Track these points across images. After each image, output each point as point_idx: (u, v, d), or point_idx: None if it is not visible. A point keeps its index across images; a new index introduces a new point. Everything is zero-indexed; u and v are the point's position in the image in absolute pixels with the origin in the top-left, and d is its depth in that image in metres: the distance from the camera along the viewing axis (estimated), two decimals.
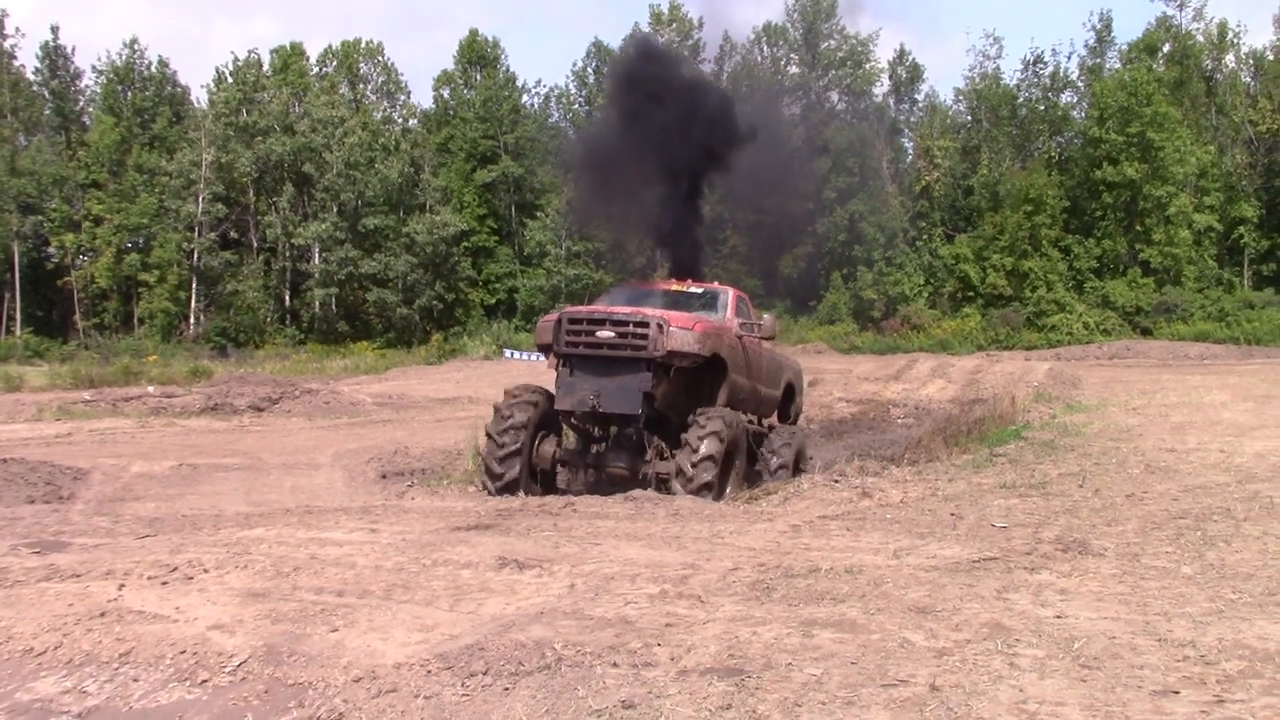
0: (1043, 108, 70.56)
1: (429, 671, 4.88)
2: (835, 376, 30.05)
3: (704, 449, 11.31)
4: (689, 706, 4.32)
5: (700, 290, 14.30)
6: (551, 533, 8.38)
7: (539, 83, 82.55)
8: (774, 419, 16.10)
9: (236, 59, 74.61)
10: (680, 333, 11.70)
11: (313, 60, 78.63)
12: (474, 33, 77.36)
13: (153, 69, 74.59)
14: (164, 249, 64.07)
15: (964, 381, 27.65)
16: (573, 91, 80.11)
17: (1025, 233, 62.01)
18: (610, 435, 13.12)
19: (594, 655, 5.00)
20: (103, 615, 6.01)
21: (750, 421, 14.23)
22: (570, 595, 6.29)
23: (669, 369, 11.90)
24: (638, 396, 11.76)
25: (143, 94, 73.16)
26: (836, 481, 11.01)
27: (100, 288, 66.63)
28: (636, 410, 11.78)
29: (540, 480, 12.76)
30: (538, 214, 68.46)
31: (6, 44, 71.41)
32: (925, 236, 67.23)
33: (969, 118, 73.24)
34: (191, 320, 64.26)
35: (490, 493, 12.11)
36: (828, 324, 62.86)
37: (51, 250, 68.91)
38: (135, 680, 5.15)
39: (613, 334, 11.83)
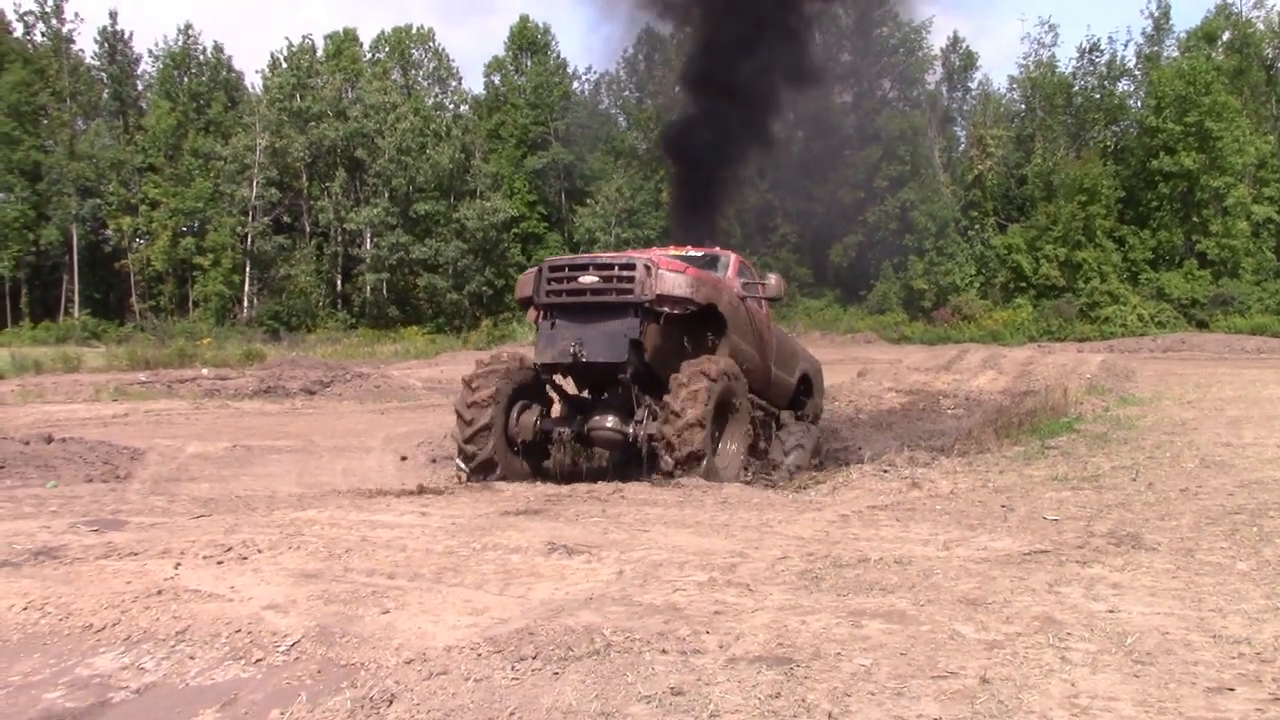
0: (1098, 96, 69.63)
1: (479, 655, 4.92)
2: (885, 367, 29.87)
3: (689, 413, 10.38)
4: (738, 694, 4.32)
5: (700, 253, 13.41)
6: (600, 519, 8.41)
7: (589, 69, 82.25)
8: (787, 415, 14.92)
9: (290, 45, 75.22)
10: (671, 276, 11.03)
11: (365, 46, 79.15)
12: (524, 19, 77.55)
13: (208, 54, 75.38)
14: (218, 233, 64.84)
15: (1015, 373, 27.36)
16: (623, 78, 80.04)
17: (1079, 223, 61.28)
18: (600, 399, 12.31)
19: (643, 642, 5.02)
20: (159, 593, 6.11)
21: (760, 404, 13.38)
22: (619, 581, 6.32)
23: (659, 316, 11.09)
24: (624, 343, 10.97)
25: (198, 79, 73.96)
26: (885, 472, 10.90)
27: (156, 271, 67.59)
28: (623, 358, 10.96)
29: (525, 453, 11.94)
30: (587, 200, 68.53)
31: (66, 29, 72.53)
32: (977, 226, 66.61)
33: (1023, 106, 72.47)
34: (245, 304, 65.01)
35: (466, 475, 11.48)
36: (878, 313, 62.50)
37: (109, 233, 69.96)
38: (191, 658, 5.24)
39: (597, 279, 11.16)
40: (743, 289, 12.80)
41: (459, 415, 11.58)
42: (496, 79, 78.54)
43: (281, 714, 4.40)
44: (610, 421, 11.56)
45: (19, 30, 73.74)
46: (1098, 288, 60.34)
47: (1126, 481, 10.01)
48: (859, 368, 29.39)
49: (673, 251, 13.28)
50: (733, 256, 13.38)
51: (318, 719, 4.33)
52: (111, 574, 6.68)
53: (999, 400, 21.06)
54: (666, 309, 11.01)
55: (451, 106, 78.51)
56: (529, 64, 77.17)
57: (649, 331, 11.05)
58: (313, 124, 67.75)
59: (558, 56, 77.69)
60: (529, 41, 77.25)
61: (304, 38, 77.30)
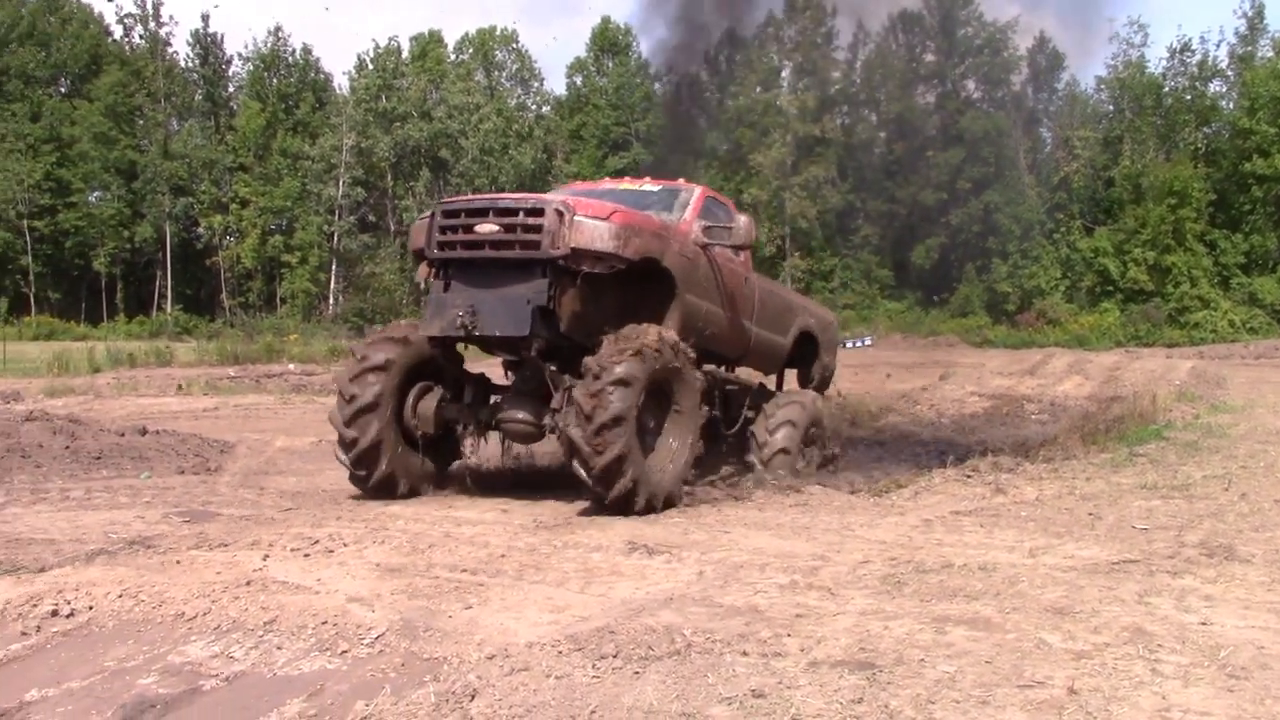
0: (1189, 97, 67.97)
1: (560, 652, 4.95)
2: (967, 370, 29.45)
3: (602, 410, 8.17)
4: (820, 698, 4.30)
5: (657, 188, 11.05)
6: (680, 519, 8.43)
7: (671, 70, 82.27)
8: (777, 384, 13.08)
9: (377, 47, 76.39)
10: (591, 224, 8.72)
11: (450, 48, 79.98)
12: (606, 20, 77.80)
13: (296, 56, 76.74)
14: (305, 231, 66.05)
15: (1102, 378, 26.86)
16: (704, 79, 79.91)
17: (1168, 226, 59.92)
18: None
19: (723, 643, 5.01)
20: (249, 584, 6.24)
21: (728, 377, 11.43)
22: (699, 582, 6.32)
23: (575, 274, 8.85)
24: (526, 312, 8.73)
25: (287, 80, 75.34)
26: (969, 477, 10.75)
27: (245, 268, 69.04)
28: (524, 330, 8.74)
29: (426, 449, 9.81)
30: None
31: (162, 31, 74.34)
32: (1063, 229, 65.45)
33: (1111, 107, 71.03)
34: (330, 301, 66.11)
35: (346, 466, 9.54)
36: (960, 317, 61.69)
37: (200, 231, 71.57)
38: (279, 648, 5.34)
39: (497, 227, 8.88)
40: (705, 234, 10.26)
41: (339, 392, 9.57)
42: (578, 80, 78.92)
43: (366, 706, 4.46)
44: (522, 412, 9.41)
45: (118, 33, 75.88)
46: (1187, 292, 58.97)
47: (1219, 491, 9.79)
48: (940, 371, 29.02)
49: (624, 185, 11.37)
50: (697, 192, 10.88)
51: (402, 712, 4.38)
52: (203, 564, 6.84)
53: (1085, 406, 20.68)
54: (585, 266, 8.77)
55: (534, 107, 79.14)
56: (610, 65, 77.41)
57: (564, 295, 8.86)
58: (398, 124, 68.66)
59: (639, 57, 77.84)
60: (610, 43, 77.51)
61: (390, 39, 78.65)
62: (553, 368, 9.10)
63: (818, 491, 9.99)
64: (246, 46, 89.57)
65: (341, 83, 77.91)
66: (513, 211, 8.97)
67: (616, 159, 71.99)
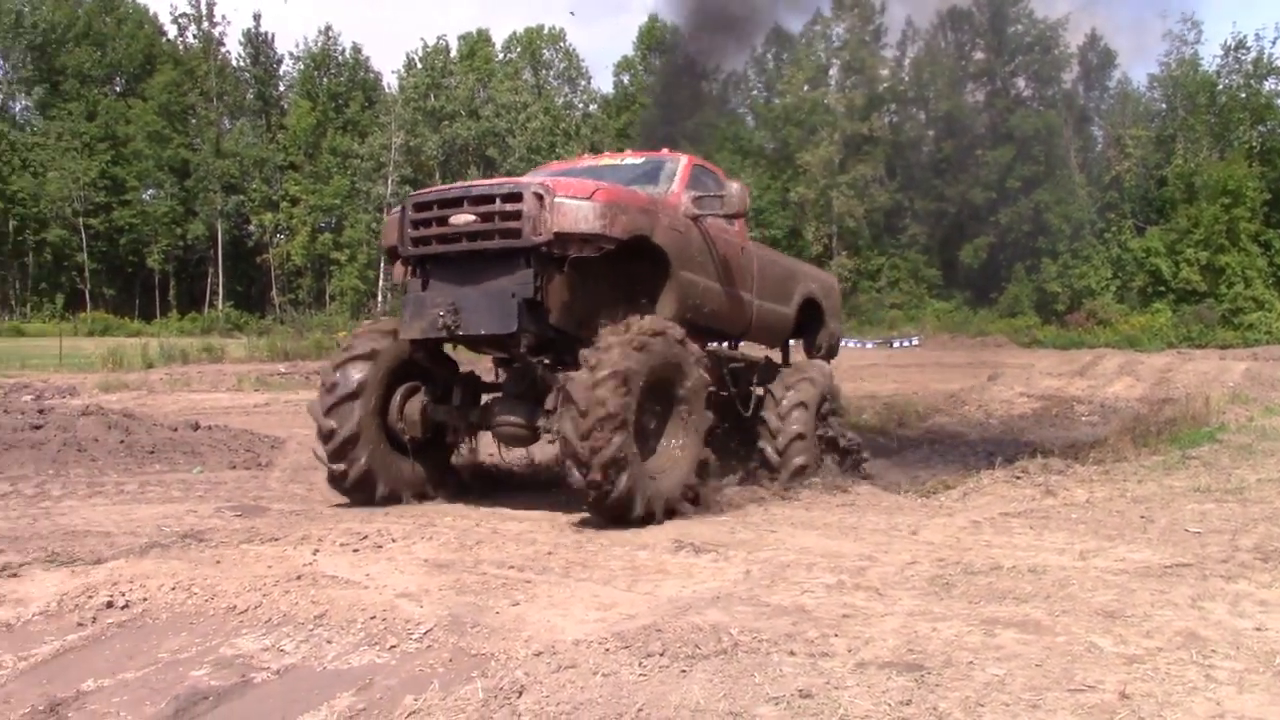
0: (1244, 95, 67.08)
1: (607, 650, 4.95)
2: (1016, 371, 29.24)
3: (598, 408, 7.52)
4: (867, 699, 4.28)
5: (640, 160, 10.49)
6: (727, 518, 8.42)
7: (717, 68, 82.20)
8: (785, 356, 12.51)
9: (425, 46, 76.93)
10: (573, 206, 8.05)
11: (497, 47, 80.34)
12: (653, 19, 77.89)
13: (346, 55, 77.41)
14: (354, 229, 66.68)
15: (1153, 380, 26.57)
16: (751, 77, 79.80)
17: (1222, 226, 59.18)
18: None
19: (770, 643, 5.00)
20: (299, 578, 6.30)
21: (732, 354, 10.88)
22: (746, 581, 6.31)
23: (561, 261, 8.25)
24: (511, 307, 8.14)
25: (337, 79, 76.02)
26: (1018, 478, 10.66)
27: (295, 265, 69.79)
28: (511, 327, 8.15)
29: (416, 453, 9.24)
30: None
31: (215, 31, 75.30)
32: (1114, 228, 64.79)
33: (1164, 105, 70.22)
34: (379, 299, 66.63)
35: (323, 462, 8.93)
36: (1009, 317, 61.23)
37: (251, 228, 72.48)
38: (329, 642, 5.39)
39: (473, 217, 8.24)
40: (695, 205, 9.58)
41: (321, 381, 9.06)
42: (625, 78, 79.01)
43: (415, 700, 4.49)
44: (514, 414, 8.83)
45: (172, 32, 76.94)
46: (1241, 293, 58.21)
47: (1273, 494, 9.64)
48: (989, 372, 28.82)
49: (605, 161, 10.74)
50: (683, 161, 10.18)
51: (450, 707, 4.41)
52: (254, 558, 6.92)
53: (1136, 408, 20.47)
54: (571, 251, 8.16)
55: (581, 106, 79.35)
56: (658, 63, 77.41)
57: (551, 285, 8.24)
58: (446, 123, 69.12)
59: (685, 56, 77.76)
60: (658, 41, 77.54)
61: (438, 39, 78.99)
62: (547, 361, 8.62)
63: (865, 492, 9.97)
64: (297, 46, 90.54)
65: (391, 82, 78.60)
66: (488, 199, 8.24)
67: None
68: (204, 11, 75.67)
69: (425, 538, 7.47)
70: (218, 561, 6.85)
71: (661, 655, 4.86)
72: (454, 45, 78.31)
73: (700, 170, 10.29)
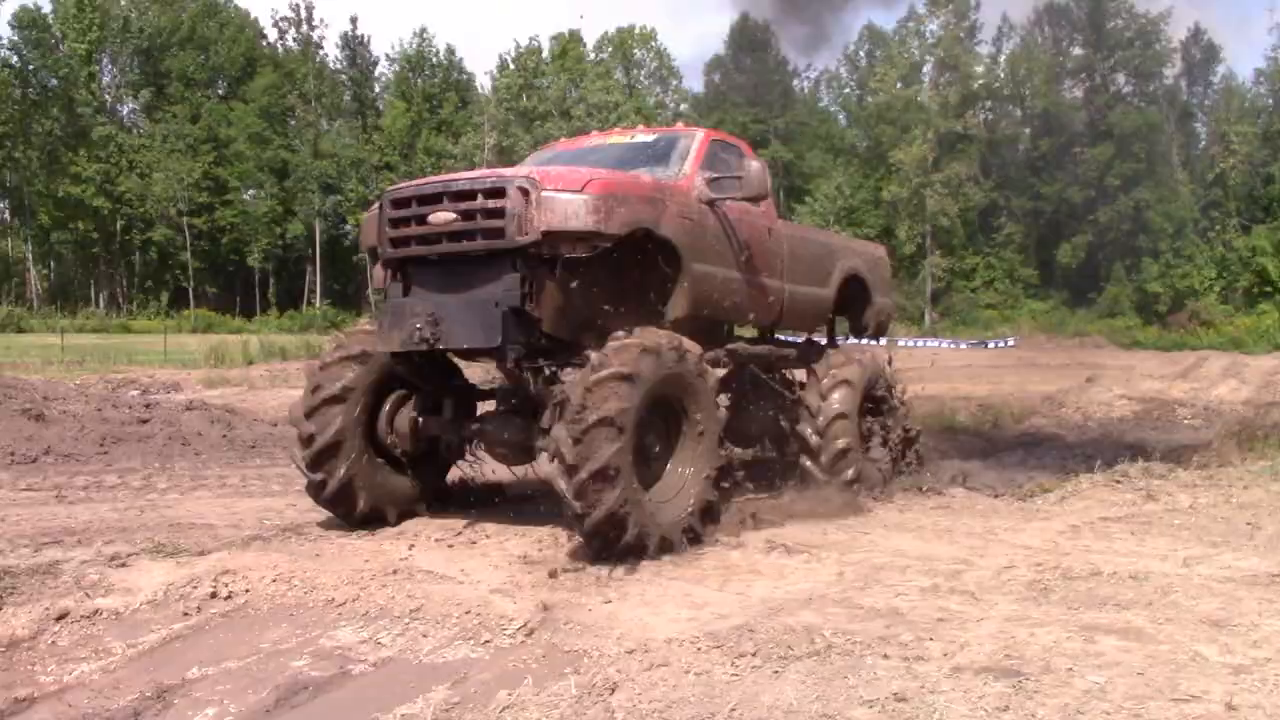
0: None
1: (699, 649, 4.96)
2: (1115, 373, 28.62)
3: (589, 461, 6.54)
4: (963, 704, 4.23)
5: (651, 138, 9.44)
6: (819, 519, 8.35)
7: (809, 66, 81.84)
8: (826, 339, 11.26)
9: (518, 47, 77.62)
10: (562, 199, 7.12)
11: (589, 47, 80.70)
12: (745, 17, 77.64)
13: (440, 57, 78.38)
14: None
15: (1260, 383, 25.83)
16: (844, 75, 79.21)
17: None
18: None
19: (864, 645, 4.97)
20: (395, 573, 6.41)
21: (752, 353, 9.59)
22: (839, 583, 6.27)
23: (553, 262, 7.28)
24: (495, 317, 7.19)
25: (431, 81, 76.99)
26: (1118, 482, 10.38)
27: None
28: (494, 340, 7.21)
29: (415, 468, 8.39)
30: (806, 198, 68.17)
31: (313, 34, 76.82)
32: (1218, 227, 63.12)
33: (1270, 101, 68.13)
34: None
35: (301, 470, 8.06)
36: (1108, 317, 59.96)
37: (348, 228, 73.70)
38: (424, 635, 5.48)
39: (453, 215, 7.30)
40: (710, 188, 8.57)
41: (293, 419, 8.17)
42: (717, 77, 78.95)
43: (509, 695, 4.53)
44: (508, 430, 8.03)
45: (272, 36, 78.67)
46: None
47: None
48: (1087, 373, 28.22)
49: (613, 138, 9.78)
50: (699, 137, 9.11)
51: (543, 703, 4.45)
52: (352, 552, 7.06)
53: (1241, 411, 19.88)
54: (563, 251, 7.21)
55: (672, 105, 79.39)
56: (749, 62, 77.23)
57: (543, 290, 7.30)
58: (538, 123, 69.63)
59: (777, 54, 77.47)
60: (749, 40, 77.32)
61: (531, 39, 79.60)
62: (547, 368, 7.56)
63: (960, 494, 9.82)
64: (393, 48, 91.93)
65: (484, 83, 79.41)
66: (469, 194, 7.30)
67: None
68: (303, 15, 77.31)
69: (519, 534, 7.55)
70: (317, 555, 6.99)
71: (754, 655, 4.85)
72: (546, 46, 78.96)
73: (719, 146, 9.23)
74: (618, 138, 9.67)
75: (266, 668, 5.07)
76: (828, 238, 11.49)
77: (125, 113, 76.57)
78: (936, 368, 27.25)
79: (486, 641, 5.37)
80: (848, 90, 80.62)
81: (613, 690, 4.50)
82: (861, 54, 78.97)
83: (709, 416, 7.53)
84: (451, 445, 8.43)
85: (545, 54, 77.90)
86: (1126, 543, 7.52)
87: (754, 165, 8.57)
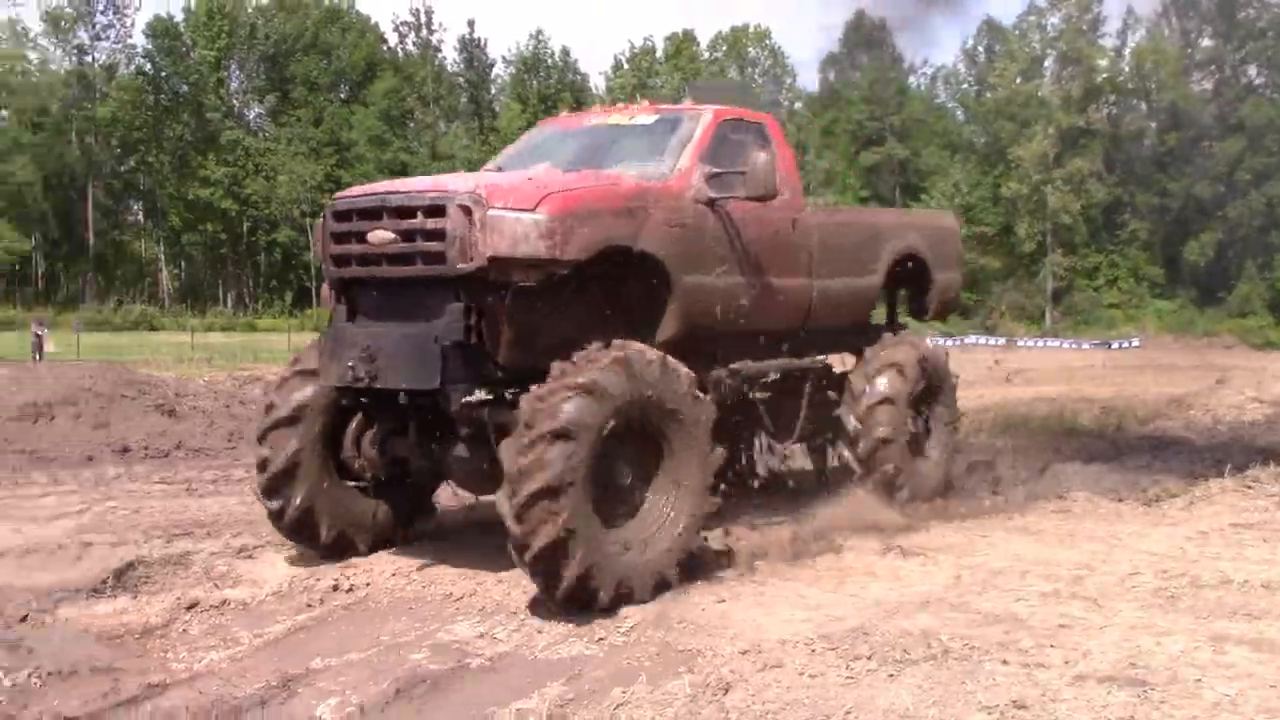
0: None
1: (813, 651, 4.93)
2: (1246, 375, 27.54)
3: (531, 479, 5.61)
4: (1086, 714, 4.14)
5: (651, 120, 8.05)
6: (936, 522, 8.22)
7: (925, 62, 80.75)
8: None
9: (633, 46, 78.02)
10: (510, 220, 6.09)
11: (703, 46, 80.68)
12: (860, 14, 76.88)
13: (556, 58, 79.10)
14: None
15: None
16: (962, 71, 77.94)
17: None
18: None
19: (982, 650, 4.89)
20: (512, 569, 6.47)
21: (761, 369, 8.15)
22: (956, 587, 6.17)
23: (504, 292, 6.25)
24: (432, 356, 6.17)
25: (547, 82, 77.72)
26: (1249, 488, 9.99)
27: None
28: (432, 382, 6.20)
29: (386, 492, 7.33)
30: (923, 196, 67.23)
31: (432, 38, 78.23)
32: None
33: None
34: None
35: (257, 496, 7.21)
36: (1239, 317, 57.96)
37: None
38: (539, 632, 5.56)
39: (392, 235, 6.36)
40: (711, 185, 7.34)
41: (257, 444, 7.25)
42: (831, 75, 78.37)
43: (623, 693, 4.57)
44: (469, 456, 6.84)
45: (393, 40, 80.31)
46: None
47: None
48: (1217, 375, 27.28)
49: (613, 119, 8.40)
50: (705, 119, 7.72)
51: (657, 701, 4.47)
52: (469, 548, 7.17)
53: None
54: (515, 278, 6.21)
55: (786, 104, 78.93)
56: (864, 60, 76.48)
57: (493, 321, 6.31)
58: None
59: (894, 51, 76.55)
60: (864, 37, 76.54)
61: (645, 39, 79.90)
62: (511, 395, 6.47)
63: (1081, 498, 9.56)
64: (509, 50, 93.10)
65: (599, 83, 79.91)
66: (408, 211, 6.35)
67: (869, 154, 71.11)
68: (423, 20, 78.73)
69: None
70: (435, 550, 7.13)
71: (869, 659, 4.81)
72: (660, 46, 79.15)
73: (730, 128, 7.87)
74: (617, 118, 8.36)
75: (386, 660, 5.19)
76: (874, 218, 10.26)
77: (251, 117, 78.75)
78: (1054, 367, 26.69)
79: (600, 639, 5.42)
80: (965, 86, 79.27)
81: (726, 690, 4.51)
82: (980, 49, 77.58)
83: (698, 452, 6.39)
84: (421, 469, 7.20)
85: (659, 54, 78.17)
86: (1258, 550, 7.24)
87: (761, 158, 7.27)
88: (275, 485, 6.87)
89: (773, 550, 7.00)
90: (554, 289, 6.37)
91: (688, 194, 7.17)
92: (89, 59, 70.34)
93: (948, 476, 9.43)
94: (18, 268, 65.75)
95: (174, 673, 5.22)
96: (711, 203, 7.29)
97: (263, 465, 6.93)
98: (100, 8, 70.38)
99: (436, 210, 6.20)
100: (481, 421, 6.54)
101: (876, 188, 71.79)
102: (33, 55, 69.31)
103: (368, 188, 7.13)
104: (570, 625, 5.59)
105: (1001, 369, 27.81)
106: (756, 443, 8.38)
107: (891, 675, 4.62)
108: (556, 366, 5.94)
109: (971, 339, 53.95)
